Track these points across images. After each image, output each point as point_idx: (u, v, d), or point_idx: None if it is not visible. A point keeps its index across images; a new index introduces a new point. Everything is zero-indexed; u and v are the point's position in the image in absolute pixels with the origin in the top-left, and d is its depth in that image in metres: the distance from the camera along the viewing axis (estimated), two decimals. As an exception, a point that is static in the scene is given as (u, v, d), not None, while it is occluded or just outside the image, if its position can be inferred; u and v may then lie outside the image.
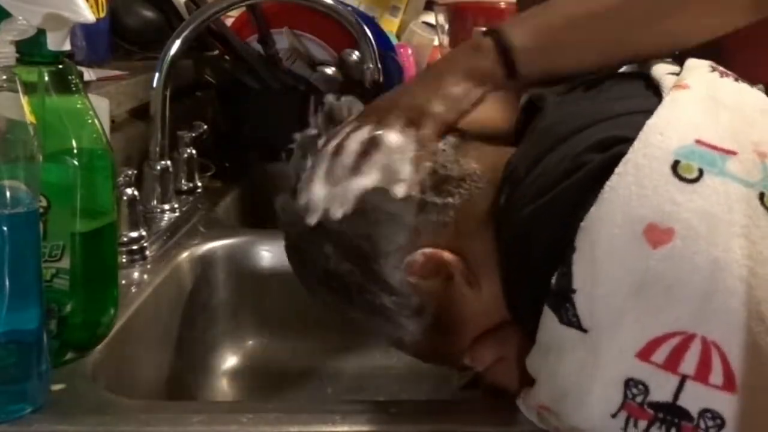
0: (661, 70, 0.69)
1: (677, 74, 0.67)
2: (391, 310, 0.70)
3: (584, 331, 0.56)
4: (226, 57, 1.52)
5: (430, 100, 0.71)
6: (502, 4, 1.68)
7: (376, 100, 0.75)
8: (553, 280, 0.58)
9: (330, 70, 1.54)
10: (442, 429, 0.64)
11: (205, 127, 1.31)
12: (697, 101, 0.62)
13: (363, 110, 0.75)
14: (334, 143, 0.71)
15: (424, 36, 1.98)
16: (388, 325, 0.71)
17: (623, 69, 0.76)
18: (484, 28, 0.75)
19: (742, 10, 0.73)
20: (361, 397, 1.00)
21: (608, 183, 0.57)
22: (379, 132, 0.69)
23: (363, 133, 0.70)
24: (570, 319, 0.57)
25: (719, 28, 0.73)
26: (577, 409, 0.58)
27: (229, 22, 1.59)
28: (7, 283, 0.62)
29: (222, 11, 1.28)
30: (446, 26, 1.73)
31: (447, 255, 0.67)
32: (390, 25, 2.11)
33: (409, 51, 1.81)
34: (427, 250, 0.67)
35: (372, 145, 0.69)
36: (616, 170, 0.57)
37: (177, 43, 1.16)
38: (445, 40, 1.74)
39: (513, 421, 0.64)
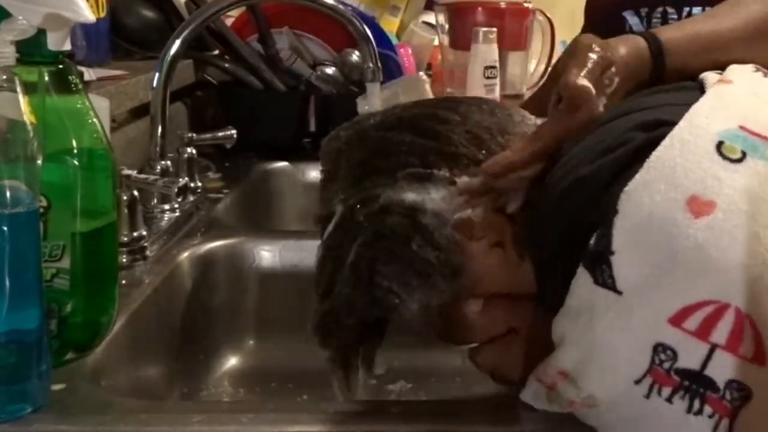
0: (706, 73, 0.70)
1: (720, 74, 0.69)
2: (433, 267, 0.67)
3: (618, 293, 0.56)
4: (226, 57, 1.52)
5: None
6: (503, 4, 1.68)
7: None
8: (592, 241, 0.58)
9: (330, 70, 1.54)
10: (442, 429, 0.64)
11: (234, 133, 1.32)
12: (740, 95, 0.64)
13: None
14: None
15: (424, 36, 1.98)
16: (422, 281, 0.67)
17: None
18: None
19: None
20: (362, 397, 1.00)
21: (654, 153, 0.58)
22: None
23: None
24: (605, 280, 0.57)
25: None
26: (600, 374, 0.58)
27: (229, 22, 1.59)
28: (7, 283, 0.62)
29: (222, 11, 1.28)
30: (446, 26, 1.73)
31: (498, 217, 0.68)
32: (390, 25, 2.11)
33: (409, 51, 1.81)
34: (478, 210, 0.68)
35: None
36: (663, 143, 0.58)
37: (177, 43, 1.15)
38: (445, 40, 1.74)
39: (513, 421, 0.64)
